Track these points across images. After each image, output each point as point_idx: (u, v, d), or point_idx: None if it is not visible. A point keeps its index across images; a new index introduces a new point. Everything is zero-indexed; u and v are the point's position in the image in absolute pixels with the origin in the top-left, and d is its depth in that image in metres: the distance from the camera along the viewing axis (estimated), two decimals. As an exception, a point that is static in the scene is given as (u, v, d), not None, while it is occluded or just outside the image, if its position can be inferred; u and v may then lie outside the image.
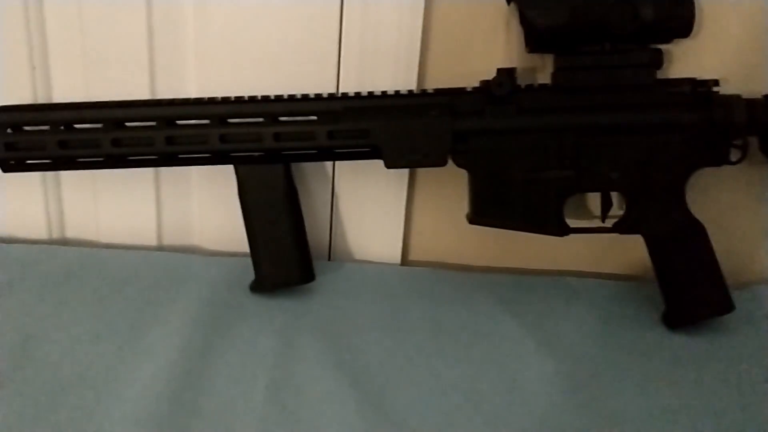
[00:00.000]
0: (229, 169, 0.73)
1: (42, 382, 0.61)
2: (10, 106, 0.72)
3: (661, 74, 0.69)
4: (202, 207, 0.83)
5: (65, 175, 0.82)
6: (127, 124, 0.71)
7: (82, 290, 0.74)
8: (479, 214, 0.72)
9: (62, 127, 0.70)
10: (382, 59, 0.75)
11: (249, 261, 0.75)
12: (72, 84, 0.78)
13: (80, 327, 0.68)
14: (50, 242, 0.84)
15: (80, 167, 0.72)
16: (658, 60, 0.69)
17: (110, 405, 0.59)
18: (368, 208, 0.82)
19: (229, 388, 0.61)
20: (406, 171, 0.80)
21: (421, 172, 0.80)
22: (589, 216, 0.78)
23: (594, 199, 0.77)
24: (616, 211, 0.74)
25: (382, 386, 0.63)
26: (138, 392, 0.60)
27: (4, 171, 0.72)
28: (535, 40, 0.69)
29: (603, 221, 0.74)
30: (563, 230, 0.72)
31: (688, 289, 0.71)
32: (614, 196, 0.74)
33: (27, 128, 0.71)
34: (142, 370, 0.63)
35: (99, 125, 0.70)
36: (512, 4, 0.71)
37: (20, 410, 0.57)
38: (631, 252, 0.79)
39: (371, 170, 0.77)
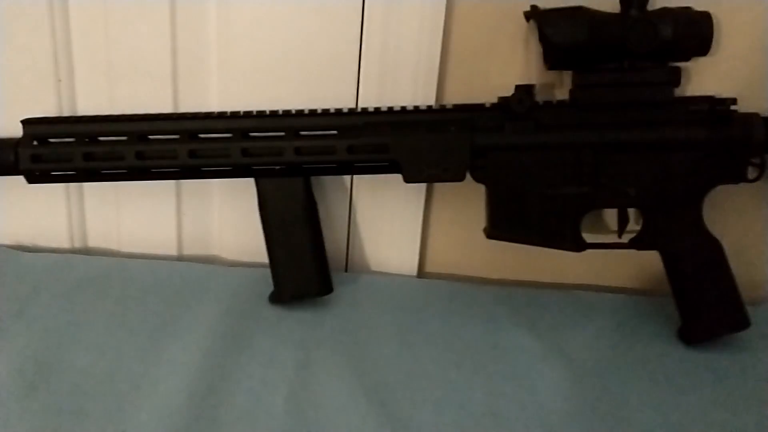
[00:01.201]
0: (249, 181, 0.74)
1: (67, 391, 0.62)
2: (36, 118, 0.73)
3: (679, 92, 0.70)
4: (221, 218, 0.84)
5: (88, 185, 0.83)
6: (151, 137, 0.72)
7: (105, 299, 0.75)
8: (497, 229, 0.72)
9: (87, 140, 0.71)
10: (401, 74, 0.76)
11: (268, 272, 0.75)
12: (96, 97, 0.79)
13: (103, 336, 0.69)
14: (72, 251, 0.85)
15: (104, 179, 0.73)
16: (676, 78, 0.69)
17: (133, 414, 0.60)
18: (385, 221, 0.82)
19: (250, 399, 0.62)
20: (423, 184, 0.80)
21: (438, 185, 0.81)
22: (605, 231, 0.78)
23: (610, 215, 0.77)
24: (633, 226, 0.74)
25: (401, 399, 0.63)
26: (160, 402, 0.61)
27: (30, 182, 0.73)
28: (553, 57, 0.69)
29: (620, 237, 0.74)
30: (580, 246, 0.72)
31: (705, 305, 0.71)
32: (631, 211, 0.74)
33: (52, 140, 0.72)
34: (164, 380, 0.63)
35: (123, 138, 0.71)
36: (531, 21, 0.71)
37: (46, 418, 0.58)
38: (646, 267, 0.80)
39: (389, 183, 0.78)
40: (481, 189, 0.72)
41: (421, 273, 0.85)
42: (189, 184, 0.83)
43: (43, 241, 0.86)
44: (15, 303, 0.73)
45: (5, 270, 0.79)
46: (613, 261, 0.81)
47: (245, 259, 0.85)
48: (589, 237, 0.73)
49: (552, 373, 0.67)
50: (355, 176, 0.81)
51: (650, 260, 0.73)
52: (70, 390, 0.62)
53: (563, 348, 0.71)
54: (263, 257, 0.75)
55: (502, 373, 0.67)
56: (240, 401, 0.62)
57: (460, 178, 0.70)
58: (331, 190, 0.81)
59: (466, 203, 0.80)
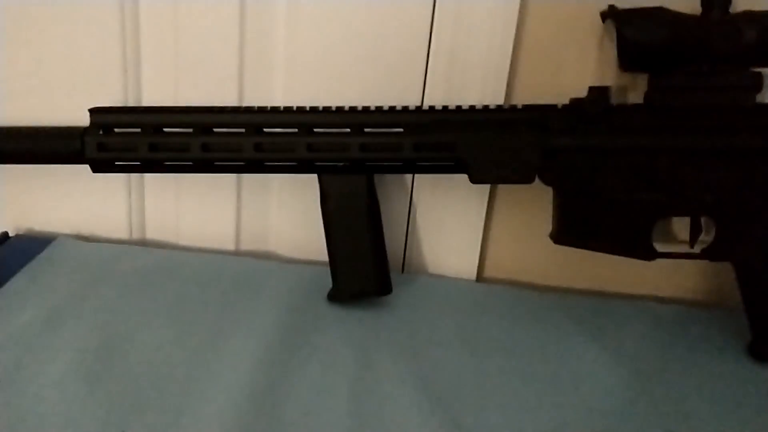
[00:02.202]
0: (308, 178, 0.73)
1: (128, 383, 0.61)
2: (103, 107, 0.73)
3: (760, 98, 0.67)
4: (279, 214, 0.84)
5: (149, 176, 0.84)
6: (217, 129, 0.71)
7: (163, 292, 0.74)
8: (565, 234, 0.70)
9: (153, 130, 0.71)
10: (470, 72, 0.75)
11: (325, 270, 0.74)
12: (162, 88, 0.79)
13: (162, 329, 0.68)
14: (130, 242, 0.86)
15: (168, 170, 0.73)
16: (758, 83, 0.66)
17: (195, 408, 0.59)
18: (446, 222, 0.81)
19: (312, 398, 0.61)
20: (486, 185, 0.79)
21: (502, 187, 0.79)
22: (673, 240, 0.76)
23: (679, 223, 0.75)
24: (702, 235, 0.72)
25: (464, 406, 0.61)
26: (222, 397, 0.60)
27: (94, 171, 0.73)
28: (630, 58, 0.67)
29: (692, 247, 0.72)
30: (651, 254, 0.70)
31: (778, 320, 0.68)
32: (703, 219, 0.72)
33: (118, 130, 0.72)
34: (225, 375, 0.63)
35: (189, 130, 0.71)
36: (608, 21, 0.69)
37: (109, 410, 0.58)
38: (716, 278, 0.77)
39: (450, 182, 0.77)
40: (546, 192, 0.70)
41: (480, 277, 0.83)
42: (249, 179, 0.82)
43: (101, 231, 0.86)
44: (76, 294, 0.73)
45: (66, 260, 0.79)
46: (681, 271, 0.79)
47: (301, 256, 0.85)
48: (659, 246, 0.70)
49: (617, 385, 0.65)
50: (416, 175, 0.80)
51: (720, 271, 0.71)
52: (131, 382, 0.61)
53: (628, 360, 0.68)
54: (319, 255, 0.75)
55: (567, 383, 0.65)
56: (301, 400, 0.61)
57: (529, 181, 0.69)
58: (390, 189, 0.80)
59: (529, 206, 0.78)
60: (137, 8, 0.78)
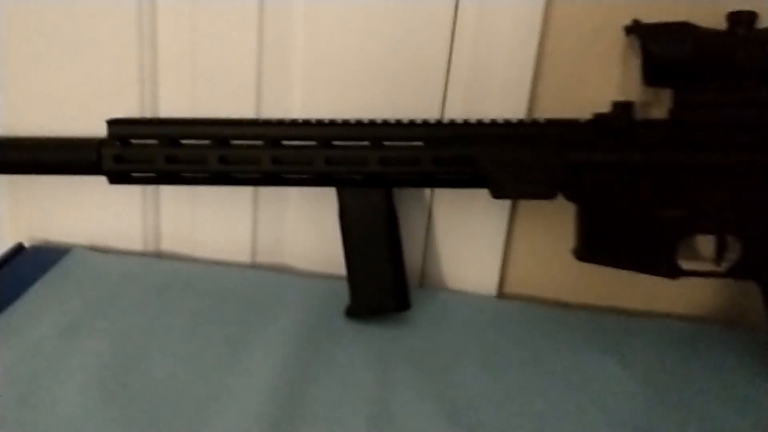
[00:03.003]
0: (325, 191, 0.72)
1: (145, 398, 0.60)
2: (119, 119, 0.72)
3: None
4: (296, 227, 0.83)
5: (165, 187, 0.83)
6: (234, 142, 0.71)
7: (180, 306, 0.74)
8: (588, 251, 0.69)
9: (170, 142, 0.71)
10: (491, 85, 0.74)
11: (342, 284, 0.74)
12: (179, 99, 0.79)
13: (180, 344, 0.68)
14: (145, 254, 0.85)
15: (185, 182, 0.72)
16: (785, 99, 0.65)
17: (212, 424, 0.58)
18: (465, 236, 0.80)
19: (330, 414, 0.60)
20: (507, 200, 0.78)
21: (524, 201, 0.78)
22: (697, 258, 0.74)
23: (704, 241, 0.73)
24: (728, 253, 0.70)
25: (483, 422, 0.60)
26: (239, 412, 0.59)
27: (111, 182, 0.72)
28: (655, 73, 0.66)
29: (718, 265, 0.70)
30: (675, 272, 0.68)
31: (806, 341, 0.67)
32: (728, 238, 0.71)
33: (135, 142, 0.72)
34: (242, 390, 0.62)
35: (206, 142, 0.70)
36: (632, 36, 0.69)
37: (125, 425, 0.57)
38: (741, 297, 0.76)
39: (471, 196, 0.76)
40: (568, 207, 0.69)
41: (501, 293, 0.82)
42: (265, 192, 0.82)
43: (116, 243, 0.85)
44: (91, 307, 0.73)
45: (81, 272, 0.79)
46: (706, 290, 0.78)
47: (316, 269, 0.83)
48: (683, 264, 0.69)
49: (638, 403, 0.64)
50: (435, 189, 0.79)
51: (744, 289, 0.70)
52: (147, 397, 0.61)
53: (652, 378, 0.67)
54: (335, 268, 0.74)
55: (591, 402, 0.64)
56: (320, 416, 0.60)
57: (552, 196, 0.68)
58: (409, 202, 0.79)
59: (551, 221, 0.77)
60: (155, 19, 0.77)
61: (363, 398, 0.62)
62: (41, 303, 0.73)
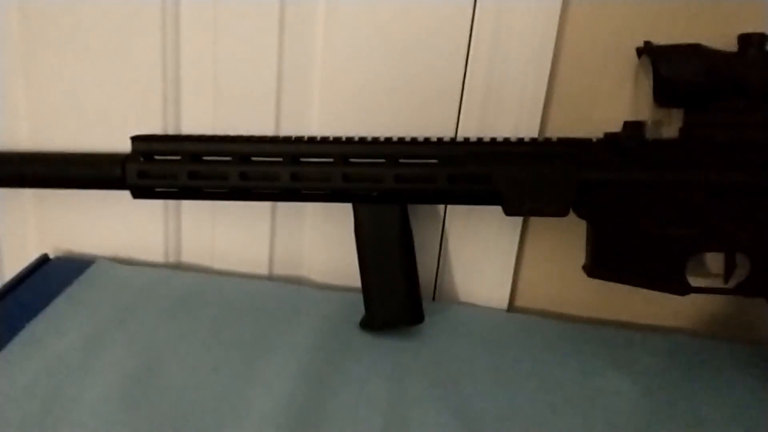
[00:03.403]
0: (342, 206, 0.73)
1: (165, 408, 0.62)
2: (144, 135, 0.74)
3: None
4: (313, 240, 0.85)
5: (186, 202, 0.85)
6: (255, 158, 0.72)
7: (200, 318, 0.75)
8: (599, 267, 0.70)
9: (192, 158, 0.73)
10: (505, 105, 0.75)
11: (357, 297, 0.75)
12: (200, 117, 0.81)
13: (199, 355, 0.69)
14: (166, 266, 0.87)
15: (206, 197, 0.74)
16: (794, 120, 0.67)
17: (230, 434, 0.60)
18: (478, 250, 0.81)
19: (345, 427, 0.61)
20: (520, 217, 0.79)
21: (535, 218, 0.79)
22: (707, 275, 0.75)
23: (714, 258, 0.74)
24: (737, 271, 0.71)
25: (494, 436, 0.62)
26: (256, 425, 0.61)
27: (135, 197, 0.74)
28: (666, 94, 0.67)
29: (726, 282, 0.71)
30: (685, 289, 0.69)
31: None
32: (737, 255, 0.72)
33: (158, 157, 0.74)
34: (259, 401, 0.63)
35: (228, 158, 0.72)
36: (643, 57, 0.70)
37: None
38: (751, 314, 0.77)
39: (484, 212, 0.77)
40: (579, 223, 0.71)
41: (512, 307, 0.83)
42: (283, 207, 0.84)
43: (138, 254, 0.88)
44: (114, 318, 0.74)
45: (105, 283, 0.81)
46: (715, 307, 0.78)
47: (333, 281, 0.85)
48: (692, 281, 0.70)
49: (648, 419, 0.65)
50: (449, 205, 0.80)
51: (753, 305, 0.71)
52: (168, 408, 0.62)
53: (660, 393, 0.68)
54: (351, 281, 0.75)
55: (600, 417, 0.65)
56: (335, 429, 0.61)
57: (564, 214, 0.69)
58: (423, 217, 0.81)
59: (562, 237, 0.78)
60: (178, 39, 0.79)
61: (378, 410, 0.64)
62: (65, 314, 0.74)
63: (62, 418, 0.60)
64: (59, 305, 0.76)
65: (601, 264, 0.70)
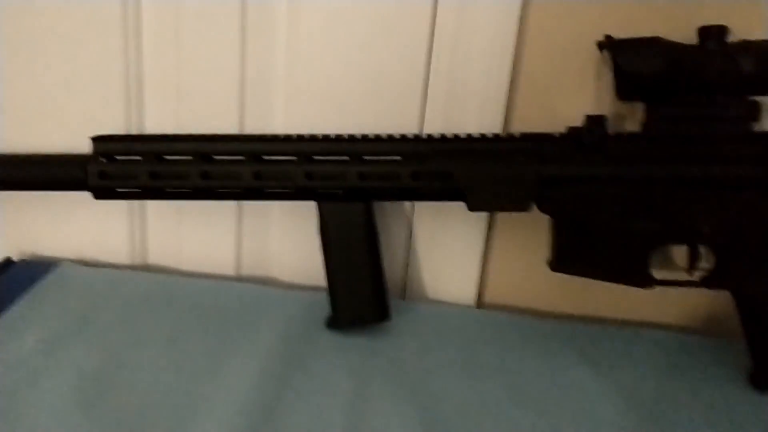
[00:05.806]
0: (308, 205, 0.73)
1: (125, 409, 0.62)
2: (105, 136, 0.74)
3: (757, 127, 0.67)
4: (280, 240, 0.84)
5: (151, 203, 0.84)
6: (216, 157, 0.72)
7: (163, 319, 0.75)
8: (562, 262, 0.70)
9: (153, 158, 0.72)
10: (468, 101, 0.75)
11: (324, 295, 0.75)
12: (164, 116, 0.80)
13: (161, 355, 0.69)
14: (132, 267, 0.86)
15: (168, 197, 0.73)
16: (755, 112, 0.66)
17: (190, 433, 0.59)
18: (445, 248, 0.81)
19: (308, 425, 0.61)
20: (485, 213, 0.79)
21: (501, 213, 0.79)
22: (673, 268, 0.76)
23: (680, 251, 0.74)
24: (702, 263, 0.71)
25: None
26: (218, 424, 0.60)
27: (96, 198, 0.74)
28: (627, 88, 0.67)
29: (690, 275, 0.71)
30: (648, 282, 0.70)
31: (779, 350, 0.68)
32: (702, 248, 0.72)
33: (119, 158, 0.73)
34: (221, 401, 0.63)
35: (189, 158, 0.72)
36: (605, 51, 0.70)
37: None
38: (716, 307, 0.77)
39: (450, 209, 0.77)
40: (545, 218, 0.71)
41: (480, 303, 0.83)
42: (250, 206, 0.83)
43: (104, 257, 0.87)
44: (76, 319, 0.74)
45: (69, 285, 0.80)
46: (681, 299, 0.78)
47: (301, 281, 0.85)
48: (657, 273, 0.70)
49: (614, 414, 0.65)
50: (415, 203, 0.80)
51: (720, 299, 0.71)
52: (127, 408, 0.62)
53: (626, 388, 0.68)
54: (319, 280, 0.75)
55: (564, 412, 0.65)
56: (298, 427, 0.61)
57: (526, 209, 0.69)
58: (390, 215, 0.81)
59: (528, 233, 0.78)
60: (140, 37, 0.79)
61: (340, 409, 0.63)
62: (27, 316, 0.74)
63: (19, 419, 0.59)
64: (21, 307, 0.75)
65: (565, 259, 0.70)
